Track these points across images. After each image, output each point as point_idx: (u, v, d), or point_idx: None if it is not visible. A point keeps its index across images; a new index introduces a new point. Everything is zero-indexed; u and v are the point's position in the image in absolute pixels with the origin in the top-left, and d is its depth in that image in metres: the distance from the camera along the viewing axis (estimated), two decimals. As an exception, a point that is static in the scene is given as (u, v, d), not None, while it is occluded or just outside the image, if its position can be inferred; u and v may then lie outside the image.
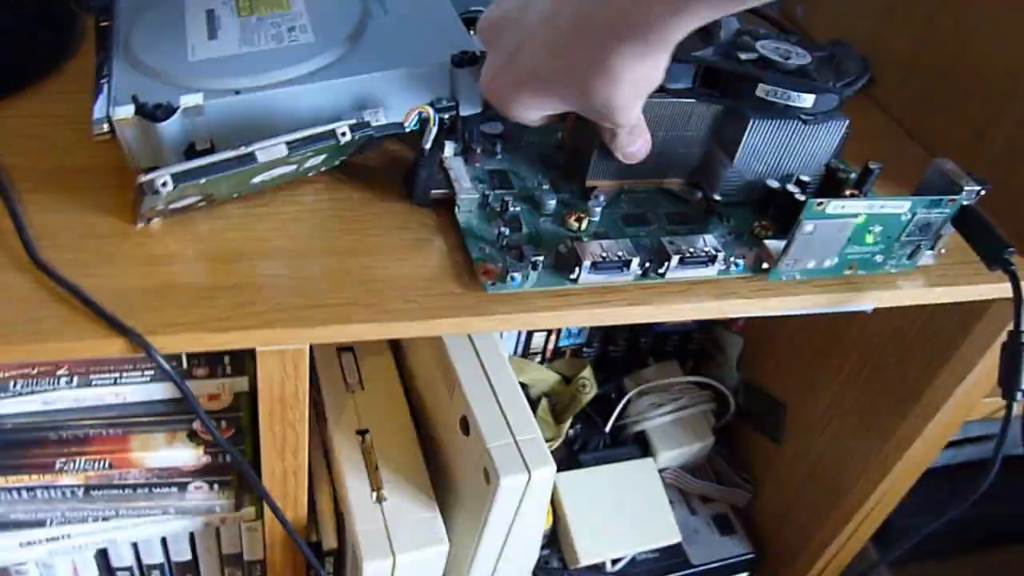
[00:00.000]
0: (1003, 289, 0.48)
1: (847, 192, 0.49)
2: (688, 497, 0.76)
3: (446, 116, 0.42)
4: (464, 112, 0.43)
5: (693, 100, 0.44)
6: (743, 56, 0.44)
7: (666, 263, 0.41)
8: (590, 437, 0.73)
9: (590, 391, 0.70)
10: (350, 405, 0.52)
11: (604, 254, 0.40)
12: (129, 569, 0.56)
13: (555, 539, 0.68)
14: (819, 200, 0.40)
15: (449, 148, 0.45)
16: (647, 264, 0.41)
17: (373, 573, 0.46)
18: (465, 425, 0.48)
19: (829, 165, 0.48)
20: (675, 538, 0.70)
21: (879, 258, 0.44)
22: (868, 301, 0.46)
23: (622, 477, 0.71)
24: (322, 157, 0.39)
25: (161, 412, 0.47)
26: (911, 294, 0.47)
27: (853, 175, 0.50)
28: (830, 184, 0.48)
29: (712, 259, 0.42)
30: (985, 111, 0.53)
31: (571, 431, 0.73)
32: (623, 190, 0.47)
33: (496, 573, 0.52)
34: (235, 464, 0.47)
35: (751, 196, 0.47)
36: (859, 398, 0.65)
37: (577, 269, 0.40)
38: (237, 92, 0.39)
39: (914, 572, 0.86)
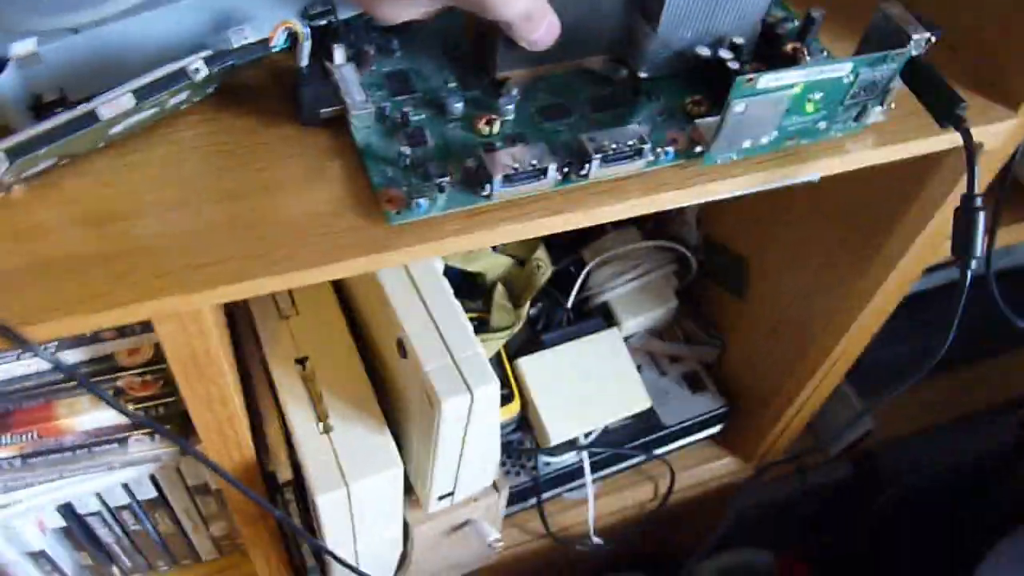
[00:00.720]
0: (958, 140, 0.45)
1: (788, 47, 0.44)
2: (657, 360, 0.76)
3: (323, 22, 0.37)
4: (344, 15, 0.38)
5: (602, -30, 0.38)
6: (653, -90, 0.38)
7: (588, 163, 0.38)
8: (553, 314, 0.72)
9: (545, 271, 0.68)
10: (285, 333, 0.50)
11: (516, 164, 0.36)
12: (98, 514, 0.56)
13: (526, 422, 0.68)
14: (748, 76, 0.36)
15: (338, 54, 0.40)
16: (567, 166, 0.38)
17: (327, 505, 0.45)
18: (401, 347, 0.45)
19: (765, 20, 0.43)
20: (645, 403, 0.70)
21: (822, 125, 0.41)
22: (814, 171, 0.43)
23: (588, 351, 0.70)
24: (185, 94, 0.35)
25: (82, 374, 0.45)
26: (859, 157, 0.43)
27: (794, 24, 0.45)
28: (768, 42, 0.43)
29: (638, 152, 0.38)
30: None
31: (533, 311, 0.71)
32: (539, 77, 0.42)
33: (459, 481, 0.51)
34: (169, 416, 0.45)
35: (681, 67, 0.42)
36: (819, 249, 0.63)
37: (488, 185, 0.36)
38: (75, 31, 0.34)
39: (890, 399, 0.88)
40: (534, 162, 0.36)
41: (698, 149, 0.40)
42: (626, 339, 0.73)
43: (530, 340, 0.70)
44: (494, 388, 0.44)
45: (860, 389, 0.81)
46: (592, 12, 0.40)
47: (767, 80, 0.36)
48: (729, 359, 0.76)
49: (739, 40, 0.42)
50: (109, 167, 0.37)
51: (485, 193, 0.37)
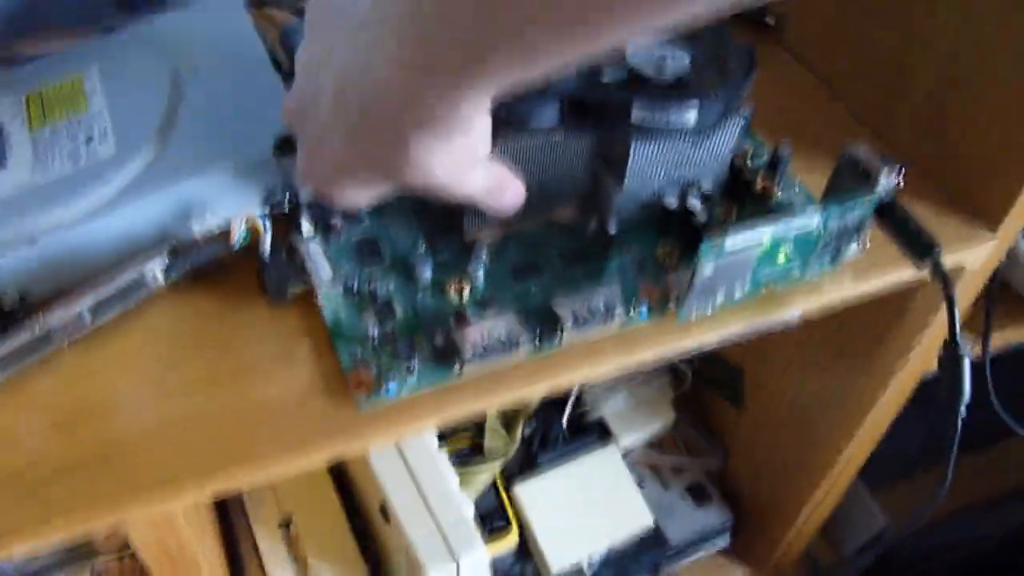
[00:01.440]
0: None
1: (759, 185, 0.44)
2: (659, 472, 0.74)
3: (286, 208, 0.37)
4: (305, 197, 0.38)
5: (561, 137, 0.38)
6: (610, 76, 0.38)
7: (560, 331, 0.37)
8: (548, 434, 0.70)
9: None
10: (269, 494, 0.49)
11: (486, 341, 0.36)
12: None
13: (526, 550, 0.66)
14: (714, 240, 0.35)
15: (305, 229, 0.40)
16: (539, 335, 0.37)
17: None
18: (384, 511, 0.44)
19: (733, 164, 0.43)
20: (648, 521, 0.68)
21: (796, 271, 0.40)
22: (792, 312, 0.42)
23: (585, 470, 0.68)
24: (148, 290, 0.35)
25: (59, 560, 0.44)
26: (838, 295, 0.42)
27: (763, 160, 0.45)
28: (736, 185, 0.43)
29: (610, 314, 0.38)
30: (900, 44, 0.48)
31: (527, 431, 0.70)
32: (510, 234, 0.42)
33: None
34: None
35: (651, 216, 0.42)
36: (816, 358, 0.62)
37: (458, 362, 0.36)
38: (32, 241, 0.34)
39: (903, 490, 0.85)
40: (503, 337, 0.36)
41: (671, 304, 0.39)
42: (625, 454, 0.71)
43: (526, 461, 0.69)
44: (481, 554, 0.42)
45: (872, 484, 0.80)
46: (560, 174, 0.40)
47: (734, 241, 0.36)
48: (733, 467, 0.74)
49: (707, 187, 0.41)
50: (77, 363, 0.36)
51: (456, 370, 0.36)
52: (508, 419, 0.68)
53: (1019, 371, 0.69)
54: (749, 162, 0.46)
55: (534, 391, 0.37)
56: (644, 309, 0.39)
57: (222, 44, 0.41)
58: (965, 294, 0.49)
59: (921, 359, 0.54)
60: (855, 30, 0.51)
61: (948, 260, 0.44)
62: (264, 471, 0.34)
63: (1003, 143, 0.44)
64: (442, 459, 0.46)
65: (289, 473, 0.34)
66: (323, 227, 0.41)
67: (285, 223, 0.40)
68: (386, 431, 0.35)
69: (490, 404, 0.37)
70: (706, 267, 0.36)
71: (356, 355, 0.36)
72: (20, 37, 0.47)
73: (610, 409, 0.71)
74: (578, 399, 0.71)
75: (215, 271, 0.40)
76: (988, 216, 0.46)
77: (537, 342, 0.37)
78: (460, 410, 0.36)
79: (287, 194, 0.37)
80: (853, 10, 0.51)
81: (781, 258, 0.39)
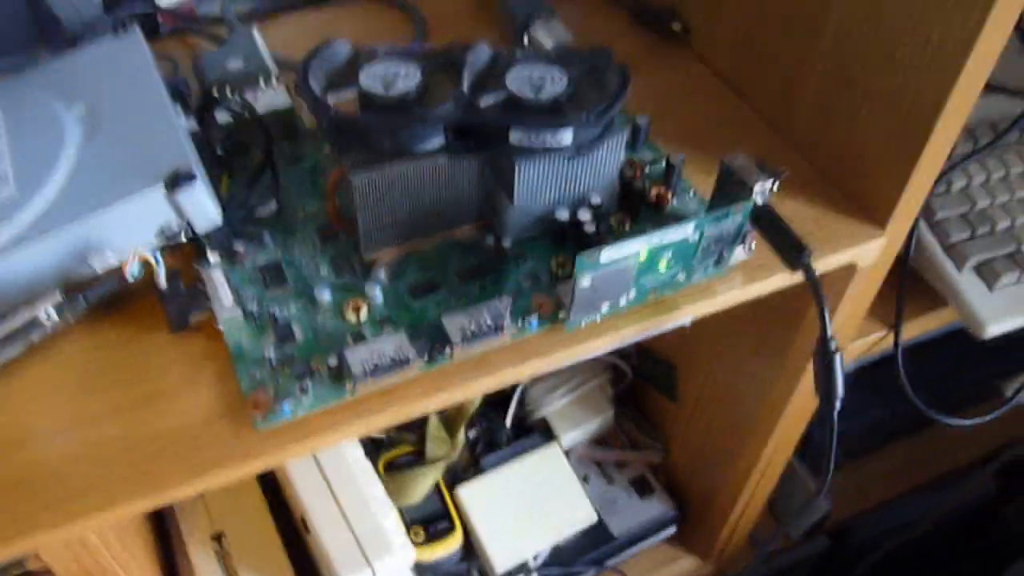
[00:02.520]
0: (826, 267, 0.46)
1: (652, 193, 0.46)
2: (604, 468, 0.76)
3: (182, 239, 0.39)
4: (201, 229, 0.39)
5: (446, 161, 0.40)
6: (488, 99, 0.40)
7: (449, 346, 0.39)
8: (494, 435, 0.72)
9: (476, 397, 0.69)
10: (200, 508, 0.50)
11: (375, 360, 0.37)
12: None
13: (471, 551, 0.68)
14: (587, 252, 0.37)
15: (211, 258, 0.42)
16: (431, 349, 0.39)
17: None
18: (304, 523, 0.46)
19: (623, 176, 0.45)
20: (591, 517, 0.70)
21: (681, 276, 0.42)
22: (684, 315, 0.44)
23: (528, 470, 0.70)
24: (58, 318, 0.36)
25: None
26: (729, 297, 0.44)
27: (658, 167, 0.47)
28: (630, 196, 0.45)
29: (499, 327, 0.39)
30: (797, 45, 0.50)
31: (472, 434, 0.72)
32: (409, 253, 0.44)
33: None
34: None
35: (545, 229, 0.44)
36: (739, 347, 0.64)
37: (350, 382, 0.37)
38: (-67, 282, 0.35)
39: (848, 473, 0.88)
40: (392, 355, 0.38)
41: (562, 314, 0.41)
42: (569, 451, 0.73)
43: (470, 464, 0.71)
44: (399, 557, 0.44)
45: (814, 468, 0.82)
46: (451, 194, 0.42)
47: (608, 254, 0.38)
48: (674, 459, 0.76)
49: (597, 200, 0.43)
50: (-11, 396, 0.38)
51: (349, 388, 0.38)
52: (450, 423, 0.70)
53: (940, 357, 0.71)
54: (647, 170, 0.48)
55: (427, 405, 0.39)
56: (534, 321, 0.41)
57: (122, 81, 0.42)
58: (862, 289, 0.51)
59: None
60: (755, 32, 0.53)
61: (838, 258, 0.47)
62: (167, 494, 0.36)
63: (884, 143, 0.45)
64: (362, 467, 0.48)
65: (189, 494, 0.36)
66: (227, 254, 0.42)
67: (190, 250, 0.42)
68: (282, 450, 0.37)
69: (384, 420, 0.39)
70: (584, 279, 0.38)
71: (255, 377, 0.38)
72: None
73: (552, 408, 0.73)
74: (521, 400, 0.73)
75: (124, 300, 0.41)
76: (877, 214, 0.47)
77: (427, 358, 0.39)
78: (356, 426, 0.38)
79: (181, 229, 0.38)
80: (752, 14, 0.52)
81: (662, 266, 0.40)
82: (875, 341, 0.59)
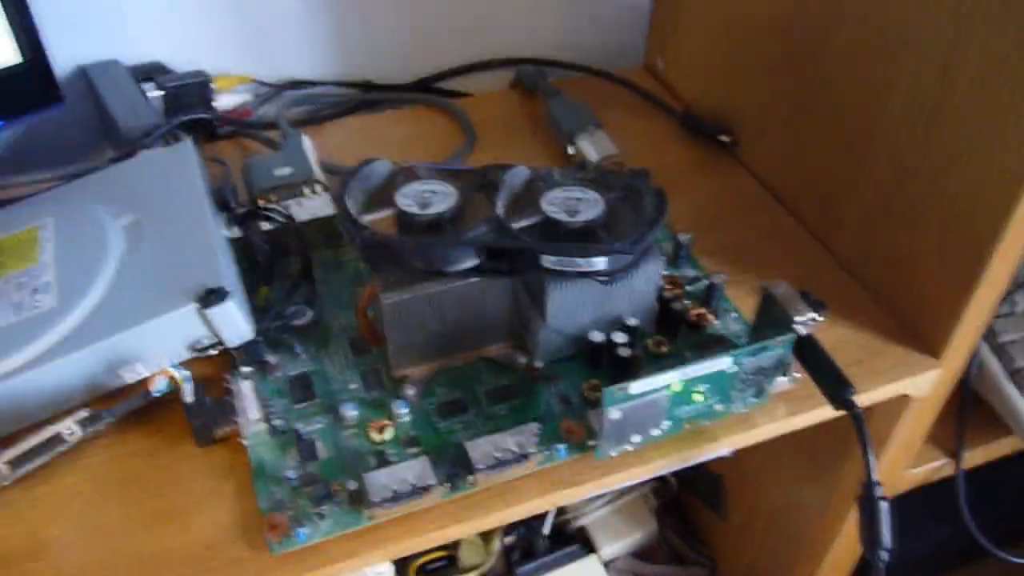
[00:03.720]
0: (875, 398, 0.44)
1: (692, 314, 0.45)
2: (646, 583, 0.73)
3: (212, 352, 0.39)
4: (231, 344, 0.39)
5: (479, 281, 0.40)
6: (523, 222, 0.39)
7: (473, 473, 0.38)
8: (531, 543, 0.70)
9: (513, 505, 0.67)
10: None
11: (395, 487, 0.36)
12: None
13: (502, 666, 0.65)
14: (618, 386, 0.36)
15: (243, 367, 0.42)
16: (452, 477, 0.38)
17: None
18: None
19: (661, 295, 0.43)
20: (631, 636, 0.67)
21: (719, 407, 0.40)
22: (723, 447, 0.42)
23: (566, 583, 0.68)
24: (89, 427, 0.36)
25: None
26: (771, 428, 0.42)
27: (700, 285, 0.46)
28: (669, 317, 0.44)
29: (524, 455, 0.38)
30: (846, 162, 0.48)
31: (509, 539, 0.70)
32: (440, 370, 0.43)
33: None
34: None
35: (579, 350, 0.43)
36: (790, 465, 0.61)
37: (369, 508, 0.36)
38: (-34, 391, 0.36)
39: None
40: (414, 481, 0.37)
41: (592, 441, 0.40)
42: (608, 563, 0.70)
43: (505, 574, 0.68)
44: None
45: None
46: (483, 313, 0.41)
47: (639, 386, 0.36)
48: (723, 573, 0.73)
49: (634, 322, 0.42)
50: (12, 503, 0.38)
51: (368, 515, 0.37)
52: (485, 532, 0.68)
53: (1001, 484, 0.67)
54: (687, 288, 0.47)
55: (447, 534, 0.38)
56: (563, 448, 0.39)
57: (169, 192, 0.43)
58: (917, 419, 0.48)
59: (886, 476, 0.53)
60: (804, 147, 0.52)
61: (888, 390, 0.44)
62: (176, 617, 0.35)
63: (939, 267, 0.43)
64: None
65: (200, 619, 0.35)
66: (259, 364, 0.42)
67: (222, 357, 0.42)
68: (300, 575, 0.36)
69: (404, 548, 0.37)
70: (613, 412, 0.37)
71: (274, 497, 0.37)
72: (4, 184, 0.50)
73: (592, 517, 0.70)
74: (560, 507, 0.71)
75: (152, 410, 0.42)
76: (931, 342, 0.45)
77: (450, 485, 0.37)
78: (373, 555, 0.37)
79: (212, 343, 0.38)
80: (802, 129, 0.52)
81: (698, 397, 0.39)
82: (934, 470, 0.56)
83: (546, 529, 0.70)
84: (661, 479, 0.72)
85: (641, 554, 0.73)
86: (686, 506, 0.74)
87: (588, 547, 0.70)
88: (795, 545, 0.63)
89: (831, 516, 0.57)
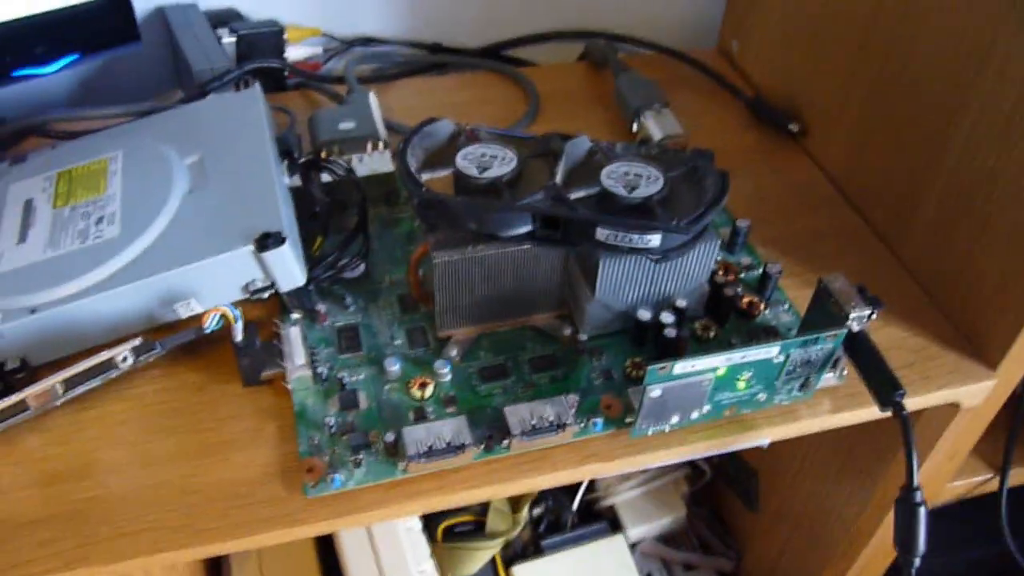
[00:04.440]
0: (923, 403, 0.43)
1: (744, 301, 0.44)
2: (670, 567, 0.73)
3: (265, 296, 0.40)
4: (285, 288, 0.40)
5: (533, 249, 0.40)
6: (581, 193, 0.39)
7: (508, 437, 0.38)
8: (559, 517, 0.70)
9: (544, 477, 0.67)
10: (254, 561, 0.51)
11: (431, 442, 0.37)
12: None
13: (519, 634, 0.66)
14: (661, 364, 0.36)
15: (293, 313, 0.43)
16: (487, 439, 0.38)
17: None
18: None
19: (714, 280, 0.43)
20: (650, 618, 0.67)
21: (762, 396, 0.40)
22: (762, 437, 0.41)
23: (589, 558, 0.68)
24: (141, 357, 0.37)
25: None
26: (814, 423, 0.42)
27: (753, 274, 0.45)
28: (719, 302, 0.43)
29: (561, 424, 0.38)
30: (917, 165, 0.47)
31: (537, 511, 0.70)
32: (484, 334, 0.43)
33: None
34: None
35: (625, 326, 0.43)
36: (828, 464, 0.60)
37: (404, 461, 0.37)
38: (33, 311, 0.37)
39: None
40: (451, 439, 0.37)
41: (629, 418, 0.39)
42: (635, 545, 0.71)
43: (531, 543, 0.69)
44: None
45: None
46: (533, 281, 0.41)
47: (682, 366, 0.36)
48: (746, 569, 0.72)
49: (682, 303, 0.42)
50: (63, 424, 0.40)
51: (402, 467, 0.37)
52: (515, 498, 0.69)
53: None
54: (742, 275, 0.46)
55: (477, 495, 0.38)
56: (600, 421, 0.39)
57: (235, 136, 0.44)
58: (966, 430, 0.47)
59: (929, 485, 0.51)
60: (875, 141, 0.50)
61: (938, 396, 0.43)
62: (212, 547, 0.36)
63: (1004, 278, 0.42)
64: (415, 540, 0.47)
65: (233, 550, 0.36)
66: (309, 313, 0.43)
67: (274, 303, 0.43)
68: (329, 520, 0.36)
69: (435, 504, 0.38)
70: (654, 390, 0.36)
71: (313, 442, 0.38)
72: (72, 115, 0.52)
73: (623, 498, 0.70)
74: (591, 484, 0.71)
75: (204, 347, 0.43)
76: (988, 353, 0.44)
77: (484, 447, 0.38)
78: (406, 506, 0.37)
79: (265, 286, 0.39)
80: (875, 122, 0.50)
81: (741, 384, 0.38)
82: (977, 484, 0.54)
83: (575, 505, 0.70)
84: (695, 466, 0.72)
85: (668, 539, 0.73)
86: (717, 496, 0.74)
87: (615, 527, 0.70)
88: (825, 546, 0.62)
89: (866, 520, 0.57)
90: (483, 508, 0.67)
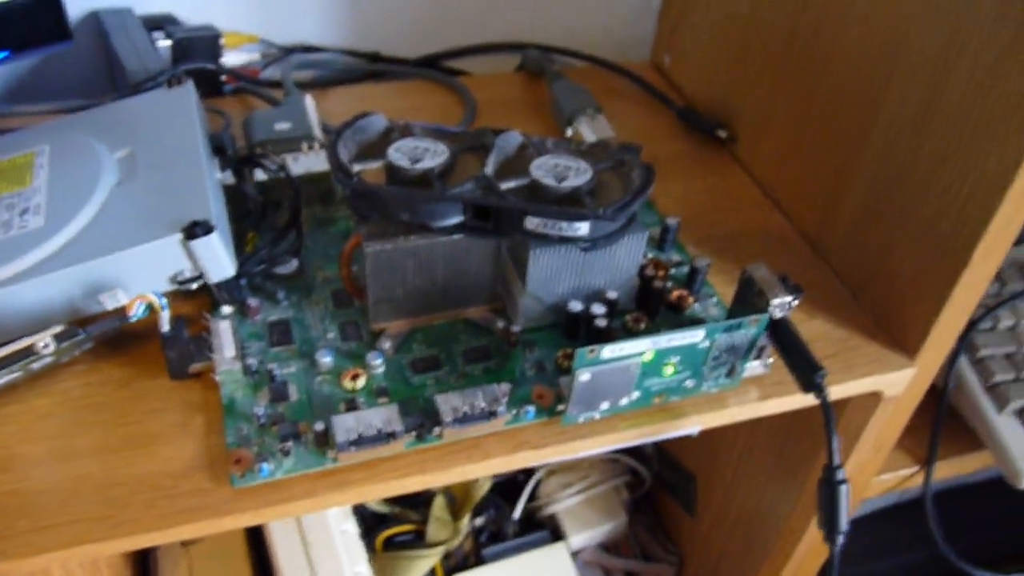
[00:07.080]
0: (848, 391, 0.44)
1: (674, 295, 0.45)
2: (612, 575, 0.73)
3: (193, 287, 0.39)
4: (214, 279, 0.40)
5: (464, 240, 0.40)
6: (511, 183, 0.40)
7: (439, 425, 0.38)
8: (500, 525, 0.70)
9: (483, 483, 0.67)
10: (183, 557, 0.50)
11: (361, 431, 0.37)
12: None
13: (460, 644, 0.65)
14: (590, 348, 0.36)
15: (224, 306, 0.42)
16: (419, 427, 0.38)
17: None
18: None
19: (643, 274, 0.44)
20: (592, 626, 0.67)
21: (690, 383, 0.40)
22: (691, 425, 0.42)
23: (530, 568, 0.67)
24: (49, 359, 0.37)
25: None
26: (741, 410, 0.43)
27: (683, 270, 0.46)
28: (649, 295, 0.44)
29: (492, 412, 0.38)
30: (838, 163, 0.49)
31: (479, 521, 0.70)
32: (418, 327, 0.43)
33: None
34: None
35: (557, 319, 0.43)
36: (760, 464, 0.61)
37: (333, 450, 0.37)
38: (-52, 301, 0.36)
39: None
40: (380, 427, 0.37)
41: (560, 407, 0.40)
42: (576, 553, 0.71)
43: (472, 553, 0.68)
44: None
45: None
46: (464, 273, 0.42)
47: (611, 350, 0.37)
48: (688, 573, 0.73)
49: (613, 295, 0.42)
50: (-15, 419, 0.39)
51: (332, 456, 0.37)
52: (456, 507, 0.68)
53: (979, 504, 0.67)
54: (671, 271, 0.47)
55: (409, 484, 0.38)
56: (532, 410, 0.39)
57: (166, 131, 0.44)
58: (890, 421, 0.49)
59: (856, 477, 0.53)
60: (799, 146, 0.52)
61: (860, 384, 0.45)
62: (133, 540, 0.35)
63: (919, 270, 0.44)
64: (350, 543, 0.47)
65: (156, 543, 0.36)
66: (240, 307, 0.43)
67: (205, 299, 0.43)
68: (256, 511, 0.36)
69: (365, 494, 0.38)
70: (583, 374, 0.37)
71: (241, 433, 0.38)
72: (1, 112, 0.51)
73: (564, 505, 0.71)
74: (533, 492, 0.71)
75: (131, 342, 0.42)
76: (907, 343, 0.45)
77: (415, 436, 0.38)
78: (335, 496, 0.37)
79: (193, 277, 0.39)
80: (798, 129, 0.52)
81: (669, 370, 0.39)
82: (904, 478, 0.56)
83: (517, 513, 0.70)
84: (635, 473, 0.73)
85: (609, 546, 0.73)
86: (658, 502, 0.74)
87: (557, 535, 0.70)
88: (761, 546, 0.63)
89: (797, 518, 0.58)
90: (424, 518, 0.66)
